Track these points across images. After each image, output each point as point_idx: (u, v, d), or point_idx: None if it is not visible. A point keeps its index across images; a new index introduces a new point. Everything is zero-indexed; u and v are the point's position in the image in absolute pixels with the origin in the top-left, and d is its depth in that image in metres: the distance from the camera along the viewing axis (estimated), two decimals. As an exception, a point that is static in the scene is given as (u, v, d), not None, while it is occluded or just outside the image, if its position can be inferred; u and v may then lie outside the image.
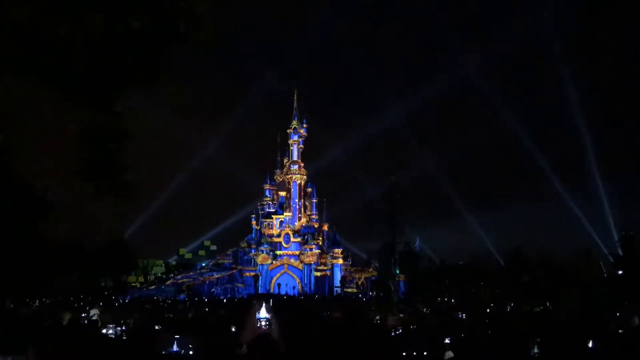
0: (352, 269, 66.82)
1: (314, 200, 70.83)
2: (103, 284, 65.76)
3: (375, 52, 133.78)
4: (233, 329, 12.83)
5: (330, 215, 71.24)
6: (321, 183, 79.55)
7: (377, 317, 17.31)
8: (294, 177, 68.36)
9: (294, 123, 69.46)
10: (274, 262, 63.42)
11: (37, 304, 37.55)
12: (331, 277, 63.08)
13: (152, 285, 66.91)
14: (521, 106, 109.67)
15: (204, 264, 72.29)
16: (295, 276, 62.90)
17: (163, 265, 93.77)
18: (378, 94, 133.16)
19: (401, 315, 17.93)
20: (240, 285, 62.56)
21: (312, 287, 61.37)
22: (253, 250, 65.33)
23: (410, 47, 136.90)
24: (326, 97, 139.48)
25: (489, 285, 54.55)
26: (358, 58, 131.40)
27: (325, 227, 69.45)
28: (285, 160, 71.17)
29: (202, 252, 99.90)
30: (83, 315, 18.71)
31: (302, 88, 76.37)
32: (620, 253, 49.68)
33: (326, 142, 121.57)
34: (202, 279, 63.37)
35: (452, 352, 9.64)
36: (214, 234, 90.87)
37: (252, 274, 62.46)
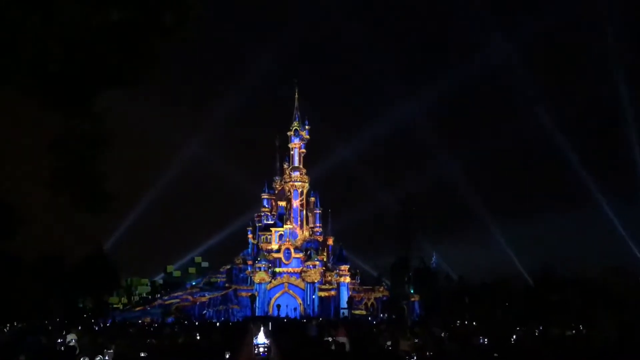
0: (361, 288, 66.64)
1: (318, 211, 70.75)
2: (81, 305, 65.79)
3: (383, 44, 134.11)
4: (227, 356, 12.79)
5: (336, 228, 71.23)
6: (326, 191, 79.70)
7: (389, 343, 17.24)
8: (295, 185, 68.38)
9: (295, 125, 69.58)
10: (272, 280, 63.27)
11: (7, 328, 37.55)
12: (337, 298, 62.88)
13: (136, 307, 66.86)
14: (554, 102, 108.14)
15: (194, 283, 72.24)
16: (296, 296, 62.73)
17: (149, 284, 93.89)
18: (387, 91, 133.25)
19: (415, 341, 17.85)
20: (235, 306, 62.47)
21: (316, 309, 61.18)
22: (249, 268, 65.27)
23: (423, 36, 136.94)
24: (330, 96, 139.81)
25: (515, 306, 54.27)
26: (364, 52, 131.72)
27: (331, 241, 69.30)
28: (285, 166, 71.24)
29: (192, 270, 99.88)
30: (59, 340, 18.70)
31: (303, 87, 76.54)
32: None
33: (331, 146, 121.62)
34: (193, 299, 63.32)
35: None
36: (205, 249, 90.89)
37: (249, 294, 62.28)
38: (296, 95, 71.40)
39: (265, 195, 71.51)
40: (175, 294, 66.69)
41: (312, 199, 71.17)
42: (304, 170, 69.38)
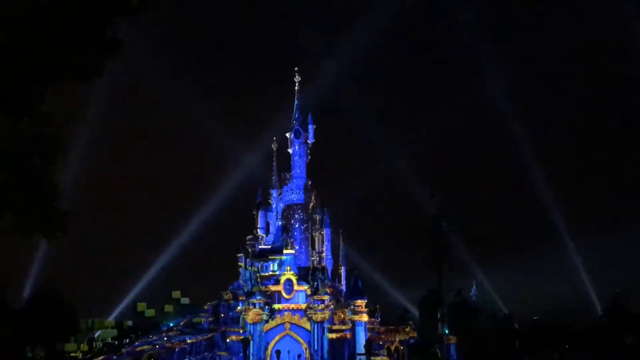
0: (382, 329, 66.31)
1: (327, 232, 70.60)
2: (30, 355, 65.80)
3: None
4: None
5: (350, 253, 71.01)
6: (336, 207, 79.31)
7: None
8: (297, 200, 68.35)
9: (297, 122, 69.74)
10: (270, 320, 63.16)
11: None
12: (352, 341, 62.62)
13: (99, 356, 66.87)
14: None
15: (172, 325, 72.20)
16: (301, 340, 62.57)
17: (115, 326, 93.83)
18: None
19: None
20: (223, 353, 62.30)
21: (325, 355, 61.03)
22: (241, 304, 65.06)
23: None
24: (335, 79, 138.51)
25: (578, 348, 54.00)
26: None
27: (343, 270, 69.12)
28: (285, 176, 71.24)
29: (169, 308, 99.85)
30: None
31: (306, 75, 75.88)
32: None
33: (342, 149, 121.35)
34: (170, 345, 63.17)
35: None
36: (185, 282, 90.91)
37: (240, 337, 62.18)
38: (297, 87, 71.44)
39: (259, 213, 71.36)
40: (149, 339, 66.63)
41: (319, 217, 71.05)
42: (309, 182, 69.31)
